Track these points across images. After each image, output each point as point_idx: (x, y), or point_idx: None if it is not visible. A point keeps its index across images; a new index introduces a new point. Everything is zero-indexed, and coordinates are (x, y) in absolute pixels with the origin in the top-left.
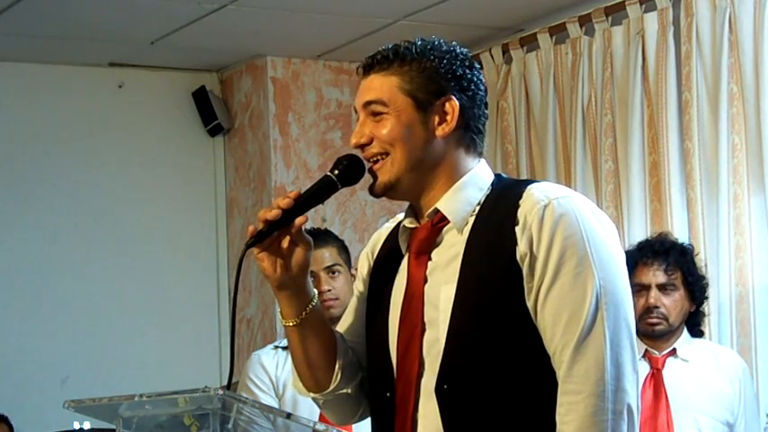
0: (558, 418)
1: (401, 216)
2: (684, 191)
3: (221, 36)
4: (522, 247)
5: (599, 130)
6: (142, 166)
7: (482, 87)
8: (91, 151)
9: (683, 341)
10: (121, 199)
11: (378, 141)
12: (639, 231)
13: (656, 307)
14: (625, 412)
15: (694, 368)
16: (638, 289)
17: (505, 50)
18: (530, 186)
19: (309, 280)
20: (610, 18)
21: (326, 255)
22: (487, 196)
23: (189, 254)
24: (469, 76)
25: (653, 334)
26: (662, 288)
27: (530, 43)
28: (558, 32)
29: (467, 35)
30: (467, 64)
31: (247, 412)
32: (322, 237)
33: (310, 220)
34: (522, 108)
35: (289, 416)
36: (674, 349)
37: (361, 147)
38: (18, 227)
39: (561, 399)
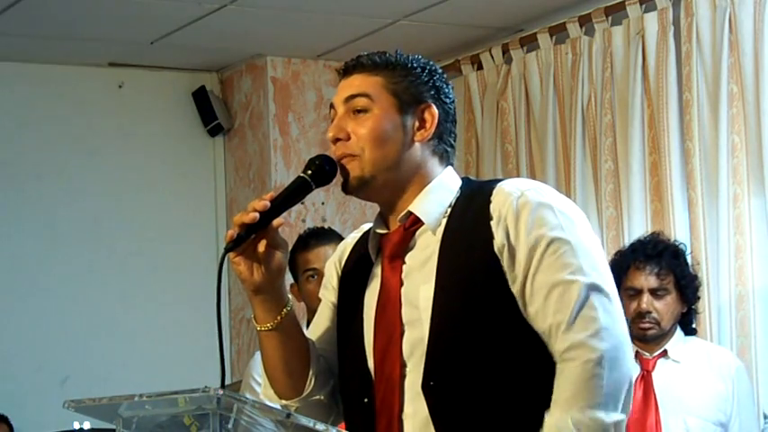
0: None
1: (366, 227)
2: (685, 191)
3: (221, 36)
4: (498, 240)
5: (599, 130)
6: (142, 167)
7: (454, 105)
8: (91, 151)
9: (676, 341)
10: (121, 199)
11: (356, 138)
12: (639, 231)
13: (648, 312)
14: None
15: (686, 369)
16: (631, 293)
17: (505, 50)
18: (499, 183)
19: (285, 284)
20: (610, 18)
21: (330, 252)
22: (458, 198)
23: (189, 254)
24: (446, 90)
25: (645, 338)
26: (653, 292)
27: (530, 43)
28: (558, 32)
29: (467, 35)
30: (443, 79)
31: (248, 412)
32: (325, 235)
33: (310, 219)
34: (522, 108)
35: (288, 416)
36: (665, 351)
37: (336, 140)
38: (18, 227)
39: (561, 365)
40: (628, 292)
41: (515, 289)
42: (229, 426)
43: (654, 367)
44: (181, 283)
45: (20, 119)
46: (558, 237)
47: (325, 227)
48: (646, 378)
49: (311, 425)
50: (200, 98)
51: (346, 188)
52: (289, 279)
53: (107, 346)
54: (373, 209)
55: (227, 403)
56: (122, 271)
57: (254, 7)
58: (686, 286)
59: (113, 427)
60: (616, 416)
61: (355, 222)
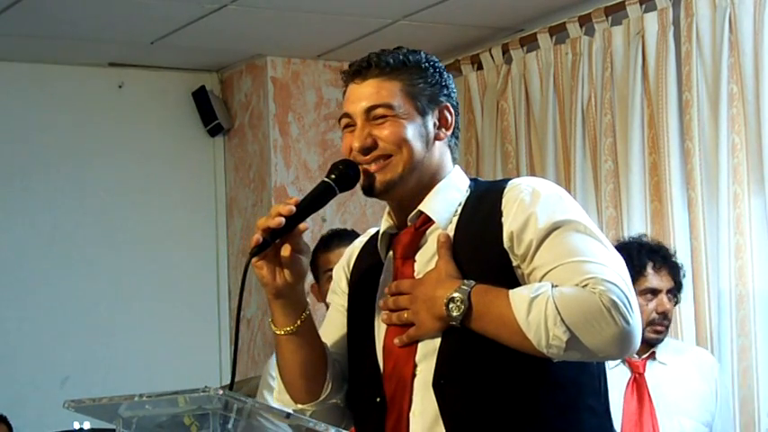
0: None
1: (373, 230)
2: (685, 191)
3: (221, 36)
4: (507, 230)
5: (599, 130)
6: (142, 167)
7: (457, 97)
8: (91, 151)
9: (660, 344)
10: (121, 199)
11: (383, 143)
12: (639, 232)
13: (666, 313)
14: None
15: (673, 370)
16: (648, 294)
17: (505, 50)
18: (511, 180)
19: (304, 288)
20: (610, 18)
21: None
22: (468, 197)
23: (189, 254)
24: (452, 86)
25: (657, 341)
26: (667, 293)
27: (530, 43)
28: (558, 32)
29: (467, 35)
30: (448, 74)
31: (246, 413)
32: (347, 236)
33: (310, 219)
34: (522, 108)
35: (288, 415)
36: (653, 353)
37: (366, 150)
38: (18, 226)
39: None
40: (644, 294)
41: (524, 271)
42: (229, 426)
43: (644, 369)
44: (181, 282)
45: (20, 119)
46: (569, 220)
47: (348, 228)
48: (638, 381)
49: (312, 425)
50: (201, 98)
51: (372, 191)
52: (309, 279)
53: (107, 346)
54: (374, 209)
55: (228, 403)
56: (122, 271)
57: (254, 7)
58: (679, 288)
59: (113, 427)
60: (578, 338)
61: (355, 222)
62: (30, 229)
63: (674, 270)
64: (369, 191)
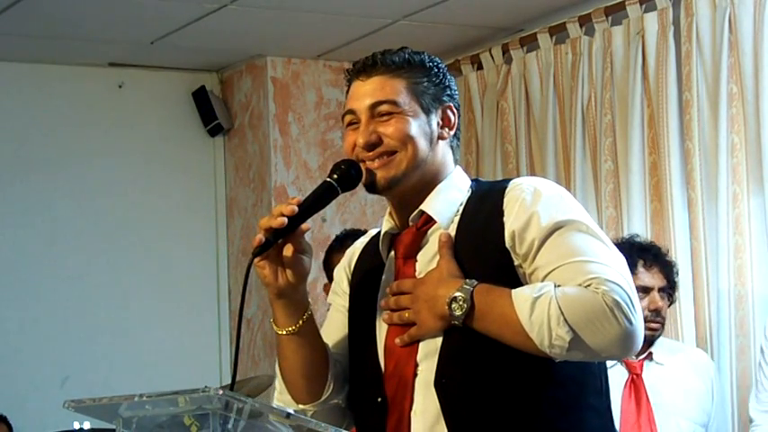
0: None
1: (374, 232)
2: (685, 191)
3: (221, 36)
4: (509, 230)
5: (599, 130)
6: (142, 167)
7: (458, 101)
8: (91, 151)
9: (658, 343)
10: (121, 199)
11: (388, 140)
12: (639, 232)
13: (659, 310)
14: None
15: (670, 371)
16: (639, 290)
17: (505, 50)
18: (512, 180)
19: (306, 288)
20: (610, 18)
21: None
22: (469, 197)
23: (189, 254)
24: (455, 87)
25: (652, 339)
26: (659, 291)
27: (530, 43)
28: (558, 32)
29: (467, 35)
30: (450, 75)
31: (247, 413)
32: (361, 236)
33: (310, 219)
34: (522, 108)
35: (288, 415)
36: (651, 353)
37: (370, 146)
38: (18, 226)
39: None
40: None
41: (525, 270)
42: (229, 426)
43: (642, 370)
44: (181, 282)
45: (20, 119)
46: (571, 220)
47: (360, 229)
48: (636, 382)
49: (312, 425)
50: (201, 98)
51: (374, 188)
52: (322, 278)
53: (107, 346)
54: (374, 209)
55: (228, 403)
56: (122, 271)
57: (254, 7)
58: (673, 287)
59: (113, 427)
60: (582, 338)
61: (355, 222)
62: (30, 229)
63: (666, 268)
64: (371, 187)
